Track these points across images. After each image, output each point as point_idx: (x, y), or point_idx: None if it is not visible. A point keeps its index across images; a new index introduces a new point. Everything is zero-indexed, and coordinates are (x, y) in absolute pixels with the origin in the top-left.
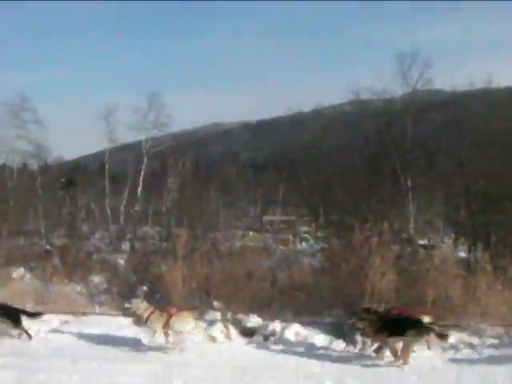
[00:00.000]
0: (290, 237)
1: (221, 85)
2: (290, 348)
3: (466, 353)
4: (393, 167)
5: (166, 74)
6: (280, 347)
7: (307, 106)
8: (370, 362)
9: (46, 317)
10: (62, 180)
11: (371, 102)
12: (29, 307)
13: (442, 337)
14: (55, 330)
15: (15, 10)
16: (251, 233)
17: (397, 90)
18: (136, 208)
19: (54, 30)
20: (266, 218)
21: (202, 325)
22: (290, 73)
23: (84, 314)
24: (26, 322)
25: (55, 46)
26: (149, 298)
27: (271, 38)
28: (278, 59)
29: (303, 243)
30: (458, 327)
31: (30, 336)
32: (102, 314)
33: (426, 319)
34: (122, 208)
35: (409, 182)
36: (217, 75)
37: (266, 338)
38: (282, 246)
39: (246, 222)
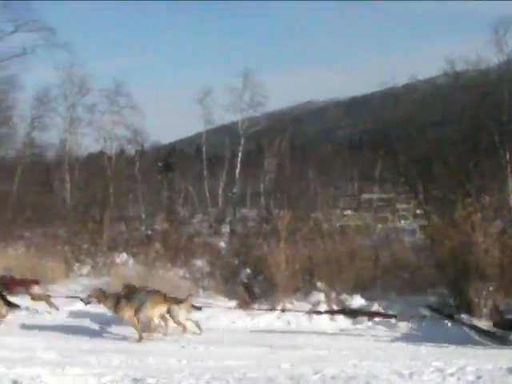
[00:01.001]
0: (389, 215)
1: (312, 62)
2: (393, 328)
3: None
4: (491, 140)
5: (259, 54)
6: (384, 327)
7: (400, 81)
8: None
9: None
10: (160, 164)
11: (466, 72)
12: None
13: None
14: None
15: None
16: (349, 211)
17: (492, 59)
18: (234, 190)
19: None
20: (364, 196)
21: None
22: (380, 47)
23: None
24: None
25: (148, 28)
26: (251, 280)
27: (361, 10)
28: (368, 33)
29: (402, 221)
30: None
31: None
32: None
33: None
34: (220, 191)
35: (507, 155)
36: (308, 52)
37: (370, 319)
38: (380, 225)
39: (344, 201)
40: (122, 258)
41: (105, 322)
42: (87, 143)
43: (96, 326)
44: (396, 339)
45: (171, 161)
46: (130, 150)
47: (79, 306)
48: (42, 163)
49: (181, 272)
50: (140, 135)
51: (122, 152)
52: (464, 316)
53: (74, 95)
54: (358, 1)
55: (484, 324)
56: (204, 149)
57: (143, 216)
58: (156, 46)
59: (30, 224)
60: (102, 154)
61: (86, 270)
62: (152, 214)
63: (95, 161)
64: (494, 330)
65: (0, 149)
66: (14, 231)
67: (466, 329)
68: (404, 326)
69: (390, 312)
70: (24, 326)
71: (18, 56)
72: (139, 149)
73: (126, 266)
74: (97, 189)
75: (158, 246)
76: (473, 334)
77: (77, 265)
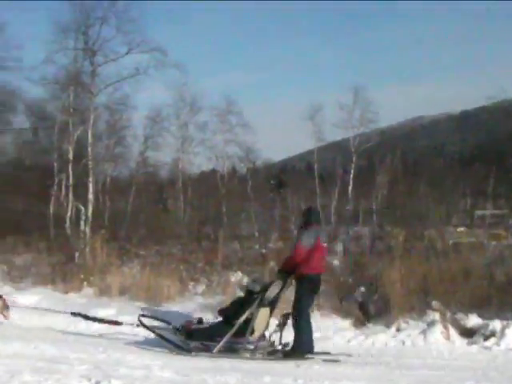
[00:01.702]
0: (502, 231)
1: (422, 76)
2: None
3: None
4: None
5: (369, 70)
6: (501, 347)
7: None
8: None
9: None
10: (272, 182)
11: None
12: None
13: None
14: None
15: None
16: (462, 228)
17: None
18: (348, 207)
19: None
20: (477, 212)
21: None
22: (491, 60)
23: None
24: None
25: (258, 46)
26: (366, 298)
27: (469, 25)
28: (478, 46)
29: None
30: None
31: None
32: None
33: None
34: (332, 208)
35: None
36: (418, 67)
37: (487, 338)
38: (494, 242)
39: (457, 217)
40: (236, 276)
41: None
42: (199, 162)
43: None
44: None
45: (283, 178)
46: (242, 168)
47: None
48: (155, 182)
49: None
50: (252, 153)
51: (234, 170)
52: None
53: (185, 114)
54: (467, 15)
55: None
56: (316, 166)
57: (256, 234)
58: (266, 63)
59: (144, 242)
60: (214, 172)
61: (200, 288)
62: (265, 232)
63: (208, 179)
64: None
65: (115, 168)
66: (129, 250)
67: None
68: None
69: None
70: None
71: (131, 77)
72: (251, 167)
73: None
74: (210, 207)
75: (272, 264)
76: None
77: (192, 283)
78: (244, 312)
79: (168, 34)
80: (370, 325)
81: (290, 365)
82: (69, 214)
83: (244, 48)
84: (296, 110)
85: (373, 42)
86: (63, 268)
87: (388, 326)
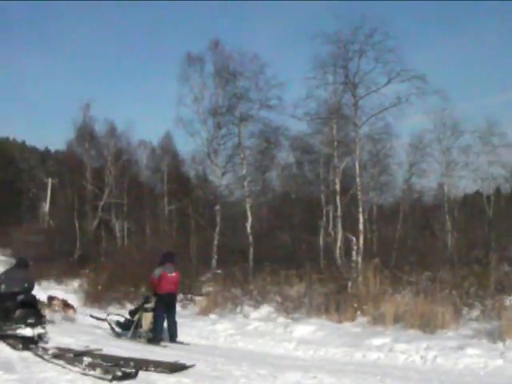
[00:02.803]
0: None
1: None
2: None
3: None
4: None
5: None
6: None
7: None
8: None
9: None
10: None
11: None
12: None
13: None
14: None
15: None
16: None
17: None
18: None
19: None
20: None
21: None
22: None
23: None
24: None
25: None
26: None
27: None
28: None
29: None
30: None
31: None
32: None
33: None
34: None
35: None
36: None
37: None
38: None
39: None
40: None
41: None
42: (464, 185)
43: None
44: None
45: None
46: (507, 188)
47: None
48: (421, 207)
49: None
50: None
51: (498, 191)
52: None
53: (447, 138)
54: None
55: None
56: None
57: None
58: None
59: (414, 269)
60: (479, 194)
61: (475, 313)
62: None
63: (473, 202)
64: None
65: (380, 197)
66: (401, 277)
67: None
68: None
69: None
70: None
71: (392, 106)
72: None
73: None
74: (477, 230)
75: None
76: None
77: (465, 309)
78: (136, 315)
79: (426, 59)
80: None
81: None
82: (338, 244)
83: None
84: None
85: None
86: (336, 298)
87: None
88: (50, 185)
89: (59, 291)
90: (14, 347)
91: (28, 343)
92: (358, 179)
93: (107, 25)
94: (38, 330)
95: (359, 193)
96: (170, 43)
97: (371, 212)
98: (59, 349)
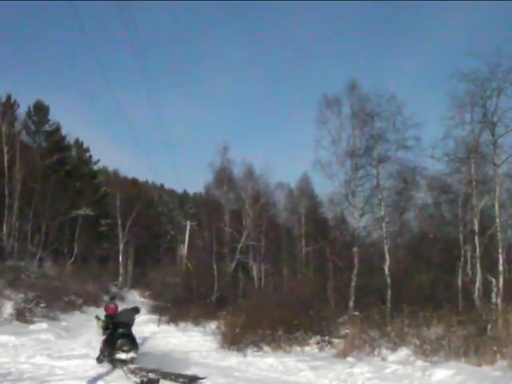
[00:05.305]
0: None
1: None
2: None
3: None
4: None
5: None
6: None
7: None
8: None
9: None
10: None
11: None
12: None
13: None
14: None
15: None
16: None
17: None
18: None
19: None
20: None
21: None
22: None
23: None
24: None
25: None
26: None
27: None
28: None
29: None
30: None
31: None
32: None
33: None
34: None
35: None
36: None
37: None
38: None
39: None
40: None
41: None
42: None
43: None
44: None
45: None
46: None
47: None
48: None
49: None
50: None
51: None
52: None
53: None
54: None
55: None
56: None
57: None
58: None
59: None
60: None
61: None
62: None
63: None
64: None
65: None
66: None
67: None
68: None
69: None
70: None
71: None
72: None
73: None
74: None
75: None
76: None
77: None
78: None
79: None
80: None
81: None
82: (477, 285)
83: None
84: None
85: None
86: (475, 340)
87: None
88: (188, 227)
89: (196, 333)
90: (115, 367)
91: (123, 364)
92: (497, 219)
93: (245, 73)
94: (131, 355)
95: (499, 233)
96: (307, 87)
97: (510, 251)
98: (136, 367)
